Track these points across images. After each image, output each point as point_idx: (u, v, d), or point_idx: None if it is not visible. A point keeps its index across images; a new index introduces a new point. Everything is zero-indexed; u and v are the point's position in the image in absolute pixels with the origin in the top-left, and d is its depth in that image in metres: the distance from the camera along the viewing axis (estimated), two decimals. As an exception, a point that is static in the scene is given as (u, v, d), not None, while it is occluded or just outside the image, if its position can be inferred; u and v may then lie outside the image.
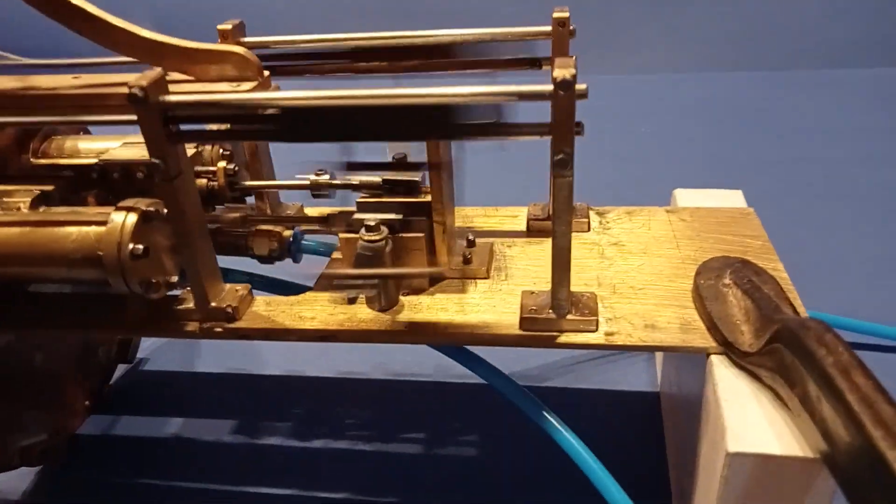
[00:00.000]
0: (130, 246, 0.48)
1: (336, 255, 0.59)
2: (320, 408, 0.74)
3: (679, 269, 0.54)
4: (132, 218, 0.49)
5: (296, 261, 0.62)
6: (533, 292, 0.51)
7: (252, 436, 0.70)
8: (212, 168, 0.59)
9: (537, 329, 0.49)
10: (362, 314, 0.52)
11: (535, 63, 0.55)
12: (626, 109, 1.47)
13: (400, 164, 0.56)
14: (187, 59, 0.52)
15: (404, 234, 0.52)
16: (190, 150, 0.59)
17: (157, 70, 0.45)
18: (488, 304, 0.52)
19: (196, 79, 0.53)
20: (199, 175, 0.59)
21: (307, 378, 0.76)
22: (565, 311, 0.48)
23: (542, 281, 0.54)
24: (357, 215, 0.52)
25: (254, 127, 0.46)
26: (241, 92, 0.50)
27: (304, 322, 0.52)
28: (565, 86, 0.39)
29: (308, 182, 0.57)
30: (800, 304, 0.45)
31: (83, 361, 0.74)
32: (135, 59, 0.53)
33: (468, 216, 0.62)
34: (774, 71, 1.64)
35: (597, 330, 0.48)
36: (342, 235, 0.53)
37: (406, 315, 0.52)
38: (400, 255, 0.52)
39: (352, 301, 0.53)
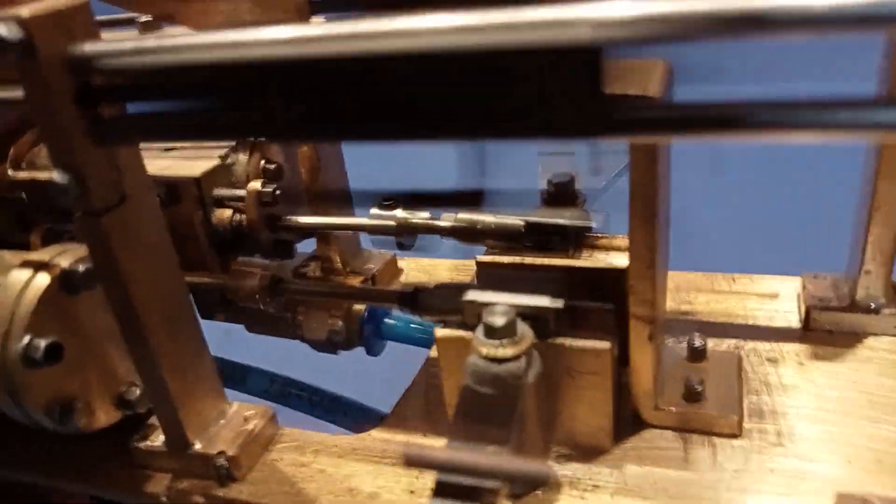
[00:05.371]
0: (26, 340, 0.24)
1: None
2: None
3: None
4: (40, 284, 0.25)
5: (372, 352, 0.36)
6: (865, 500, 0.22)
7: None
8: (240, 192, 0.35)
9: None
10: (472, 503, 0.25)
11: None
12: None
13: (557, 193, 0.29)
14: (178, -10, 0.28)
15: (569, 342, 0.25)
16: (210, 160, 0.36)
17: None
18: (750, 510, 0.24)
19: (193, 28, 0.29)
20: (221, 202, 0.35)
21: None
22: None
23: (864, 449, 0.25)
24: (470, 294, 0.25)
25: (246, 115, 0.20)
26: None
27: (353, 505, 0.26)
28: None
29: (392, 223, 0.31)
30: None
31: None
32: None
33: (677, 291, 0.34)
34: None
35: None
36: (439, 333, 0.26)
37: (564, 513, 0.24)
38: (556, 384, 0.25)
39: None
